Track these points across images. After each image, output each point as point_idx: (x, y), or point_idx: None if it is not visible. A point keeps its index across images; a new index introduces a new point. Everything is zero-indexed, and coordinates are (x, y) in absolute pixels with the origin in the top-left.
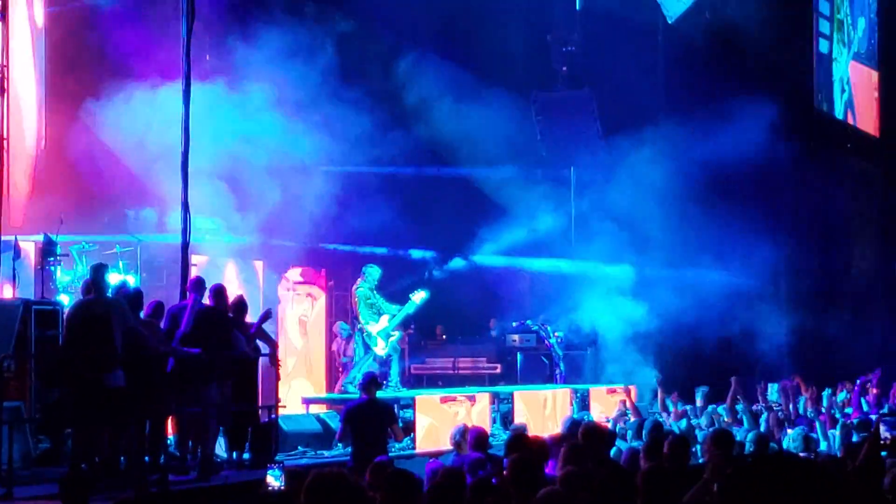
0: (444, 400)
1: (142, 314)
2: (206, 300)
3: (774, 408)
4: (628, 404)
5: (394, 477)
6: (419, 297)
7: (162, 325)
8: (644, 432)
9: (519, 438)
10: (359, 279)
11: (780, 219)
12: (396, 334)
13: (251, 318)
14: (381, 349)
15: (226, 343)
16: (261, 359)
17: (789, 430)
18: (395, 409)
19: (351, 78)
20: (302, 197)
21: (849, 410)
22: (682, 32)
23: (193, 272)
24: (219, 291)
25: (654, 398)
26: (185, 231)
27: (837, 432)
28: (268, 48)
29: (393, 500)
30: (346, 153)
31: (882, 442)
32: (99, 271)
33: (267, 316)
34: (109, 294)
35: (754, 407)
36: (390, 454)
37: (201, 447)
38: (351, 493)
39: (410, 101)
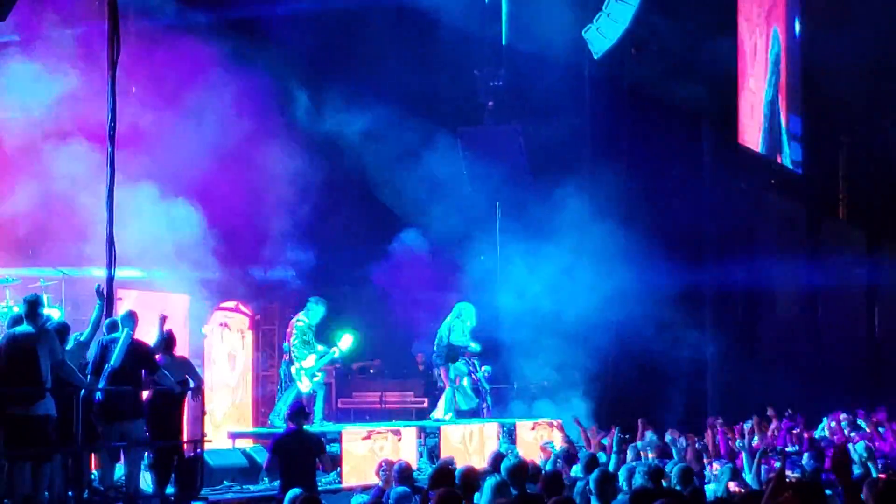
0: (370, 434)
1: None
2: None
3: (697, 443)
4: (561, 438)
5: None
6: (346, 343)
7: (91, 356)
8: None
9: (443, 472)
10: (301, 312)
11: (705, 254)
12: (320, 375)
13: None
14: (304, 387)
15: (150, 380)
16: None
17: (715, 464)
18: (323, 442)
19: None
20: (226, 228)
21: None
22: (608, 68)
23: (123, 306)
24: (130, 316)
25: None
26: (110, 265)
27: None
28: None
29: None
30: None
31: (787, 481)
32: (33, 304)
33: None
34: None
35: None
36: (318, 488)
37: (126, 482)
38: None
39: (333, 135)
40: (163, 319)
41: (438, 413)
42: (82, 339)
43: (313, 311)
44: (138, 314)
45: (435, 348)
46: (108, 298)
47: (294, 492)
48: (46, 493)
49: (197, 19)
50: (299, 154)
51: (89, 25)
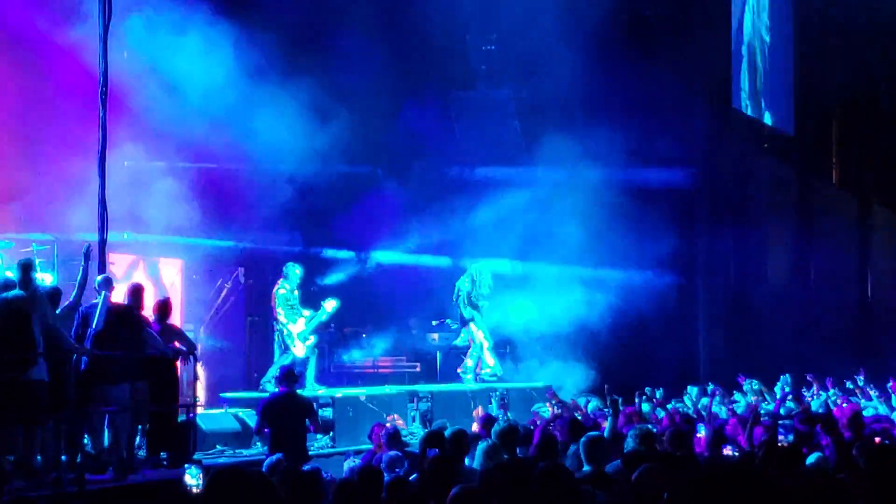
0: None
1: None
2: (122, 299)
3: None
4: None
5: (296, 479)
6: (330, 305)
7: (73, 324)
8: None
9: (435, 436)
10: (280, 279)
11: (695, 217)
12: (313, 338)
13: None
14: (300, 351)
15: (138, 342)
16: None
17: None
18: (312, 403)
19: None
20: (219, 196)
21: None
22: (601, 28)
23: (114, 270)
24: (136, 291)
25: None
26: (102, 228)
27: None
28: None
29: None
30: (261, 151)
31: (780, 445)
32: (26, 268)
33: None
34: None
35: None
36: (309, 452)
37: (117, 446)
38: (255, 489)
39: (322, 99)
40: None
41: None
42: (70, 301)
43: (291, 276)
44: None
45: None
46: (100, 262)
47: (272, 458)
48: (39, 458)
49: None
50: (287, 118)
51: None
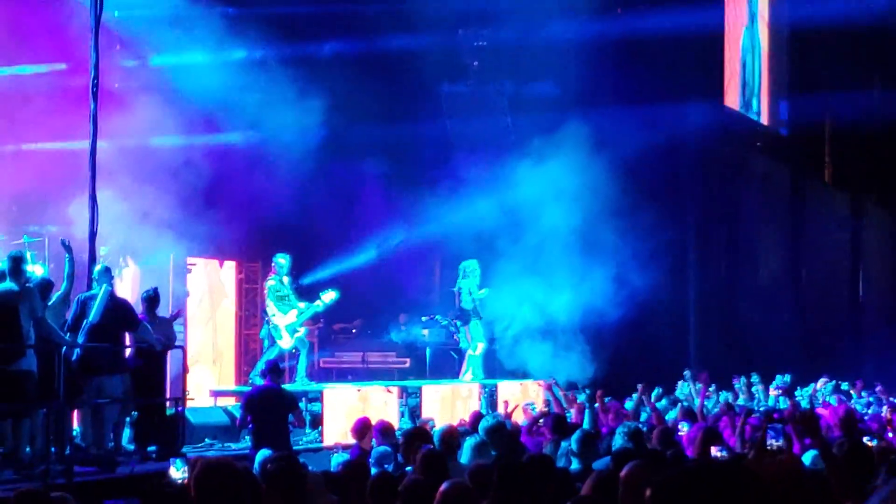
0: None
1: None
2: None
3: (683, 403)
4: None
5: (279, 471)
6: (329, 297)
7: (69, 313)
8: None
9: (420, 432)
10: (270, 273)
11: (688, 215)
12: (303, 330)
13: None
14: (286, 343)
15: (133, 334)
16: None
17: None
18: (296, 397)
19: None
20: (214, 186)
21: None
22: (593, 26)
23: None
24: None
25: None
26: (93, 221)
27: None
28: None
29: (278, 494)
30: (265, 145)
31: (769, 448)
32: (17, 261)
33: (177, 315)
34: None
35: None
36: (297, 447)
37: (104, 439)
38: (240, 481)
39: (314, 92)
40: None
41: (467, 376)
42: (61, 293)
43: (279, 266)
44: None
45: (458, 310)
46: (91, 255)
47: (264, 453)
48: (28, 449)
49: None
50: (279, 111)
51: None
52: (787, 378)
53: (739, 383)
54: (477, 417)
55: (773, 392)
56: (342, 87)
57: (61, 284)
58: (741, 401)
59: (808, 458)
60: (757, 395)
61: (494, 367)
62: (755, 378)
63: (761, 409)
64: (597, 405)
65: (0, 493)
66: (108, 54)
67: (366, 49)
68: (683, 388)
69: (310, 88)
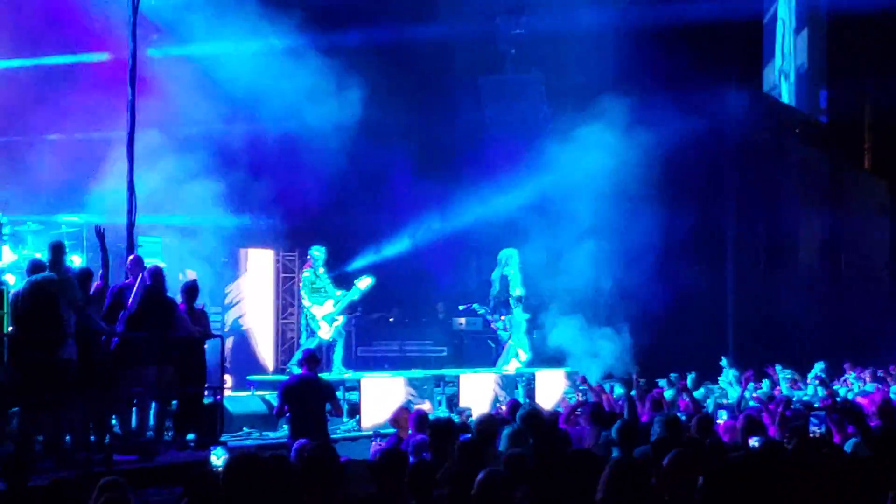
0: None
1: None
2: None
3: (715, 392)
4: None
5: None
6: (364, 283)
7: (105, 303)
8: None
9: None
10: (305, 265)
11: (727, 203)
12: (341, 319)
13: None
14: (325, 333)
15: (169, 324)
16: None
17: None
18: (333, 386)
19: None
20: (252, 178)
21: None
22: (631, 15)
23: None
24: (156, 273)
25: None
26: (131, 211)
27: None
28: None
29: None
30: (303, 133)
31: (811, 435)
32: (57, 250)
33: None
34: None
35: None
36: (335, 435)
37: (144, 428)
38: (276, 472)
39: (353, 81)
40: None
41: (510, 365)
42: (100, 282)
43: (314, 259)
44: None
45: (491, 300)
46: (128, 244)
47: (301, 442)
48: (68, 438)
49: None
50: (316, 101)
51: None
52: (822, 366)
53: (784, 373)
54: (514, 406)
55: (809, 381)
56: (378, 77)
57: (99, 272)
58: (784, 390)
59: (848, 446)
60: (797, 384)
61: (533, 356)
62: (786, 372)
63: (799, 398)
64: (633, 392)
65: (41, 481)
66: (145, 43)
67: (402, 38)
68: (728, 375)
69: (346, 78)
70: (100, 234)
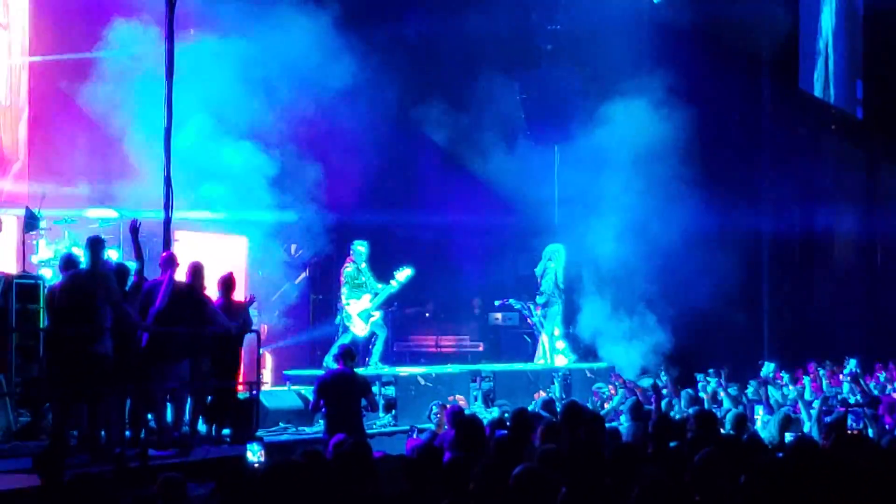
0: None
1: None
2: (182, 277)
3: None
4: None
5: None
6: (404, 274)
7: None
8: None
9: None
10: (348, 259)
11: (762, 198)
12: (378, 314)
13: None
14: (360, 330)
15: (201, 320)
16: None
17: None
18: (369, 381)
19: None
20: (288, 172)
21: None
22: (667, 11)
23: (177, 248)
24: (196, 269)
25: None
26: (168, 206)
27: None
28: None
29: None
30: (341, 128)
31: (849, 431)
32: (95, 245)
33: (251, 301)
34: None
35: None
36: (371, 430)
37: (178, 423)
38: (311, 469)
39: (390, 74)
40: (134, 226)
41: (558, 360)
42: (135, 278)
43: (357, 254)
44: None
45: (544, 295)
46: (165, 240)
47: (337, 438)
48: (103, 433)
49: None
50: (356, 96)
51: None
52: (854, 363)
53: (822, 369)
54: (550, 401)
55: (842, 378)
56: (412, 73)
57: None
58: (824, 386)
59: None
60: (826, 382)
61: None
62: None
63: (835, 395)
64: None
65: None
66: (182, 33)
67: (439, 32)
68: (768, 367)
69: (383, 70)
70: (134, 229)
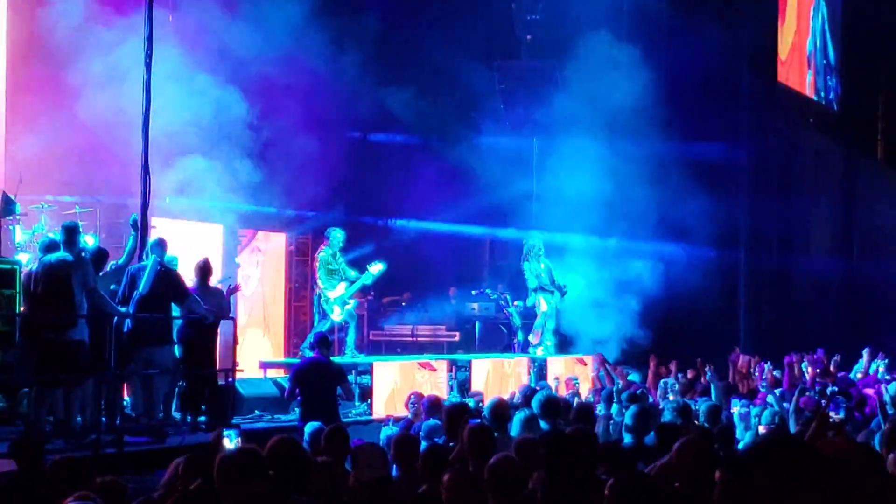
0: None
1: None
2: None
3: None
4: (604, 371)
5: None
6: (376, 269)
7: (121, 284)
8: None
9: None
10: (322, 244)
11: (740, 192)
12: (352, 302)
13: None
14: (336, 315)
15: (182, 305)
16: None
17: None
18: (344, 369)
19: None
20: (265, 160)
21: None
22: (646, 3)
23: (154, 234)
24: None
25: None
26: (145, 193)
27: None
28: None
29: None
30: (316, 117)
31: (830, 421)
32: (71, 231)
33: (234, 290)
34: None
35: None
36: (346, 419)
37: (155, 409)
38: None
39: (372, 68)
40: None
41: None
42: (118, 264)
43: (333, 238)
44: (167, 242)
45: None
46: (141, 227)
47: (313, 425)
48: (79, 419)
49: None
50: (335, 86)
51: None
52: (822, 352)
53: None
54: (526, 391)
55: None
56: (392, 63)
57: (121, 257)
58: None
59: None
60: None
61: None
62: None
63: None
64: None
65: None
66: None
67: (418, 21)
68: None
69: (359, 59)
70: (135, 224)
